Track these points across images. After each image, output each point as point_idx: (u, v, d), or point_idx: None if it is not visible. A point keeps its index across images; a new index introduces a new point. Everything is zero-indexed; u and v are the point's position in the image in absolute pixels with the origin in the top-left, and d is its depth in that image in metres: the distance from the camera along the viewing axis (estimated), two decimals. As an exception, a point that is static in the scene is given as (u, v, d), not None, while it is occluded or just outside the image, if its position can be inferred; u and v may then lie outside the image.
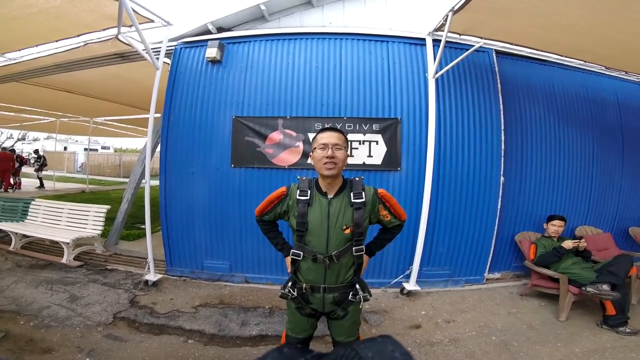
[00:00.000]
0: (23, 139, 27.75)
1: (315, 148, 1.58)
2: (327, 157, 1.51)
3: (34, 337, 2.64)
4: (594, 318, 3.20)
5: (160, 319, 3.07)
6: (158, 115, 4.25)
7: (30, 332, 2.71)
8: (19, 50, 4.26)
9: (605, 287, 2.94)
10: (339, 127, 3.69)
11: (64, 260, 4.23)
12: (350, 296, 1.62)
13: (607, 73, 4.76)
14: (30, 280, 3.70)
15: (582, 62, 4.39)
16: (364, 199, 1.57)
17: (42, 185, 11.93)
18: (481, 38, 3.73)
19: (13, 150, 12.55)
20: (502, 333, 2.98)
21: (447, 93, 4.01)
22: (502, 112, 4.05)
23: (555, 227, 3.71)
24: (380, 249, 1.83)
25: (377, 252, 1.83)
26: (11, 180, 10.70)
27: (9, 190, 10.41)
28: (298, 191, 1.61)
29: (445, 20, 3.37)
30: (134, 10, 3.17)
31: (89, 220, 4.68)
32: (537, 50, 4.05)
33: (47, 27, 3.58)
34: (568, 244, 3.47)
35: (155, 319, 3.06)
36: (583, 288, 3.08)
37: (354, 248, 1.56)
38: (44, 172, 12.35)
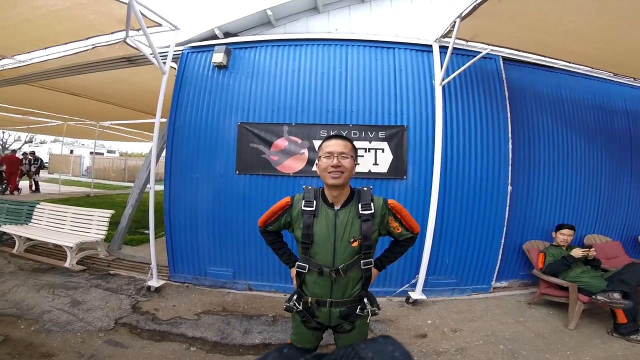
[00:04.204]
0: (30, 141, 28.07)
1: (320, 157, 1.51)
2: (332, 166, 1.44)
3: (33, 341, 2.61)
4: (603, 326, 3.15)
5: (162, 325, 3.03)
6: (164, 120, 4.26)
7: (31, 336, 2.68)
8: (29, 52, 4.29)
9: (617, 295, 2.92)
10: (344, 134, 3.67)
11: (66, 265, 4.21)
12: (357, 310, 1.56)
13: (615, 80, 4.73)
14: (32, 284, 3.69)
15: (589, 69, 4.36)
16: (372, 210, 1.50)
17: (37, 189, 11.47)
18: (488, 45, 3.71)
19: (23, 152, 12.65)
20: (510, 342, 2.93)
21: (454, 100, 3.98)
22: (509, 120, 4.01)
23: (564, 236, 3.66)
24: (391, 262, 1.76)
25: (387, 265, 1.76)
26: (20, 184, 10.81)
27: (14, 192, 10.48)
28: (303, 201, 1.54)
29: (453, 26, 3.36)
30: (142, 14, 3.18)
31: (92, 225, 4.66)
32: (545, 56, 4.02)
33: (56, 29, 3.61)
34: (577, 252, 3.43)
35: (157, 325, 3.02)
36: (593, 296, 3.04)
37: (362, 261, 1.50)
38: (40, 175, 12.09)
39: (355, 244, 1.48)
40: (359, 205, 1.51)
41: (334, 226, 1.50)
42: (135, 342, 2.74)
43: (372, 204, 1.51)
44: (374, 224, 1.51)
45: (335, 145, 1.49)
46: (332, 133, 3.78)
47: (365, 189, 1.56)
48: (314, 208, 1.52)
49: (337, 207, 1.53)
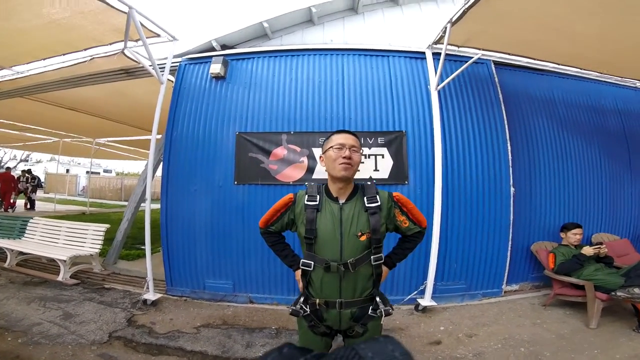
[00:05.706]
0: (26, 160, 27.87)
1: (330, 148, 1.48)
2: (343, 157, 1.43)
3: (20, 354, 2.49)
4: (627, 324, 3.07)
5: (159, 339, 2.90)
6: (159, 136, 4.22)
7: (18, 348, 2.57)
8: (27, 63, 4.29)
9: (637, 290, 2.84)
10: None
11: (59, 278, 4.07)
12: (369, 311, 1.46)
13: (604, 80, 4.81)
14: (22, 297, 3.56)
15: (579, 70, 4.43)
16: (379, 203, 1.45)
17: (32, 206, 11.56)
18: (479, 49, 3.77)
19: (21, 170, 12.52)
20: (531, 344, 2.83)
21: (450, 105, 4.02)
22: (506, 122, 4.03)
23: (577, 236, 3.61)
24: (401, 260, 1.68)
25: (397, 263, 1.68)
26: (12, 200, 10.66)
27: (9, 210, 10.35)
28: (306, 197, 1.50)
29: (444, 32, 3.43)
30: (141, 24, 3.21)
31: (87, 239, 4.55)
32: (534, 59, 4.10)
33: (56, 39, 3.62)
34: (588, 250, 3.38)
35: (154, 339, 2.89)
36: (613, 293, 2.95)
37: (372, 257, 1.43)
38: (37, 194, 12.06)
39: (364, 237, 1.42)
40: (365, 198, 1.46)
41: (339, 221, 1.44)
42: (130, 356, 2.61)
43: (377, 197, 1.47)
44: (381, 217, 1.46)
45: (346, 138, 1.47)
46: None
47: (369, 183, 1.53)
48: (317, 202, 1.47)
49: (341, 201, 1.48)
